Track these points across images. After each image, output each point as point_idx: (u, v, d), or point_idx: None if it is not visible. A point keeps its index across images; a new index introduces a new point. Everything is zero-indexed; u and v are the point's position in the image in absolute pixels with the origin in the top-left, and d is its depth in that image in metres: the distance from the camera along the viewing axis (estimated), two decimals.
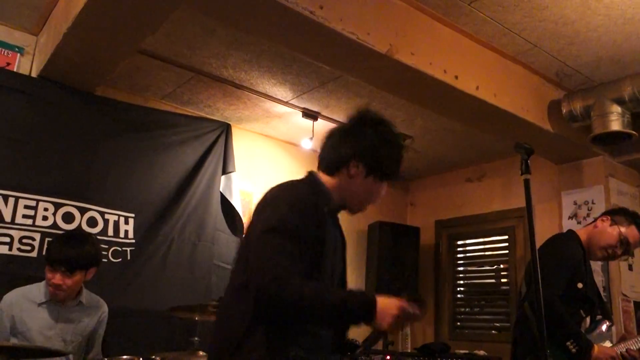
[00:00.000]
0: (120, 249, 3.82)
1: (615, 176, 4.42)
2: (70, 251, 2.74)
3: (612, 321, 2.90)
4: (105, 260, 3.67)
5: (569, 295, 2.64)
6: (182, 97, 4.32)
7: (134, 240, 3.89)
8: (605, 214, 2.93)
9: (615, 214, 2.88)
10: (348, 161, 1.83)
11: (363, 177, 1.84)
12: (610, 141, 3.88)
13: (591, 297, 2.74)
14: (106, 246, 3.74)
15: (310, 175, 1.90)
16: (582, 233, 2.90)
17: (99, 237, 3.62)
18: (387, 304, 1.59)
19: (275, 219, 1.64)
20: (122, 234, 3.85)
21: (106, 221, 3.80)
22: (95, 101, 3.90)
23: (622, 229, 2.80)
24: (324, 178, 1.87)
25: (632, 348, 2.75)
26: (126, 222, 3.89)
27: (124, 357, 2.43)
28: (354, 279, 5.31)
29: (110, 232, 3.80)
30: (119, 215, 3.86)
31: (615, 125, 3.70)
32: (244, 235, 1.79)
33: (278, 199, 1.74)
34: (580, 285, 2.67)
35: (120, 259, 3.80)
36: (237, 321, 1.65)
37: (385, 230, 5.28)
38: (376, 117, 1.93)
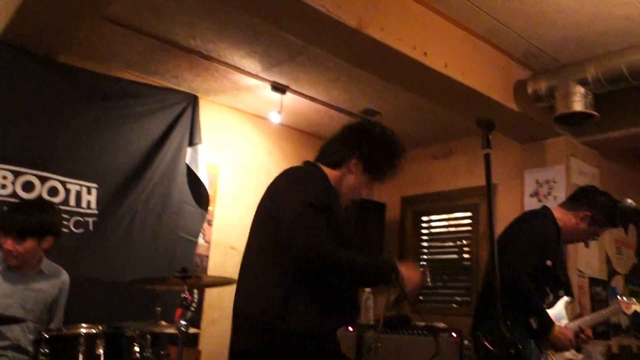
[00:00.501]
0: (82, 219, 3.77)
1: (576, 156, 4.53)
2: (21, 217, 2.72)
3: (573, 298, 2.99)
4: (67, 230, 3.62)
5: (537, 272, 2.70)
6: (148, 66, 4.23)
7: (96, 211, 3.84)
8: (586, 206, 2.91)
9: (595, 207, 2.88)
10: (350, 159, 2.15)
11: (359, 174, 2.17)
12: (573, 121, 3.97)
13: (559, 276, 2.81)
14: (68, 216, 3.68)
15: (315, 166, 2.17)
16: (557, 214, 2.93)
17: (60, 207, 3.56)
18: (408, 268, 1.95)
19: (311, 194, 1.90)
20: (84, 205, 3.79)
21: (68, 191, 3.73)
22: (57, 68, 3.79)
23: (599, 229, 2.89)
24: (327, 170, 2.14)
25: (584, 327, 2.85)
26: (89, 193, 3.82)
27: (83, 325, 2.41)
28: None
29: (72, 202, 3.74)
30: (82, 185, 3.80)
31: (578, 106, 3.78)
32: (266, 207, 2.04)
33: (308, 178, 2.03)
34: (549, 263, 2.73)
35: (82, 230, 3.75)
36: (274, 291, 1.85)
37: (351, 206, 5.31)
38: (382, 127, 2.26)
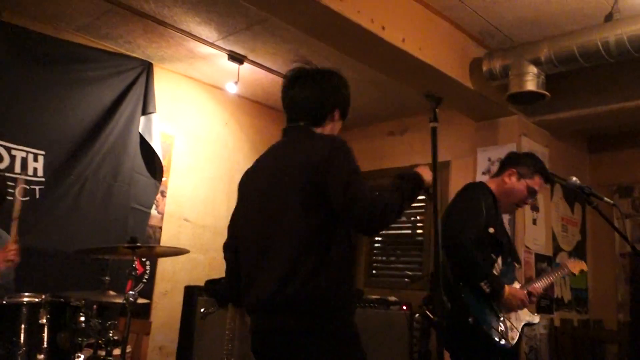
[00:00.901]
0: (28, 187, 3.64)
1: (528, 135, 4.64)
2: None
3: (520, 263, 3.08)
4: (11, 198, 3.49)
5: (481, 240, 2.75)
6: (99, 30, 4.08)
7: (43, 179, 3.73)
8: (509, 165, 3.02)
9: (518, 164, 2.99)
10: (333, 110, 2.08)
11: (338, 120, 2.13)
12: (525, 101, 4.04)
13: (502, 241, 2.89)
14: (13, 183, 3.55)
15: (308, 128, 2.05)
16: (491, 184, 3.01)
17: (5, 174, 3.44)
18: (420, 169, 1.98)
19: (354, 162, 1.91)
20: (30, 171, 3.67)
21: (13, 157, 3.61)
22: (1, 27, 3.61)
23: (529, 182, 2.96)
24: (317, 129, 2.05)
25: (537, 285, 2.96)
26: (35, 159, 3.70)
27: (26, 294, 2.35)
28: None
29: (18, 168, 3.62)
30: (28, 152, 3.67)
31: (531, 85, 3.85)
32: (297, 189, 1.90)
33: (342, 145, 1.93)
34: (491, 230, 2.79)
35: (29, 197, 3.63)
36: (324, 275, 1.84)
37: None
38: (336, 69, 2.21)
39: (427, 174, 1.97)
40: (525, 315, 2.88)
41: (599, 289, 5.23)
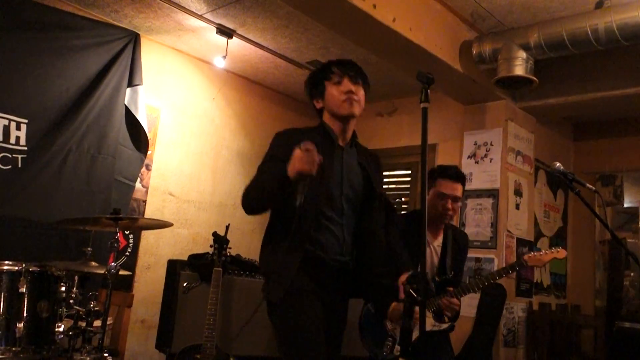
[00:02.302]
0: (10, 155, 3.60)
1: (514, 120, 4.66)
2: None
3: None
4: None
5: None
6: None
7: (26, 148, 3.67)
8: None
9: (429, 178, 2.96)
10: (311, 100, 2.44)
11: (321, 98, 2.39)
12: (513, 85, 4.05)
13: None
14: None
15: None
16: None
17: None
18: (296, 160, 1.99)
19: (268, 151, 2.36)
20: (12, 140, 3.61)
21: None
22: None
23: (434, 189, 2.98)
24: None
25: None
26: (18, 128, 3.64)
27: (6, 262, 2.33)
28: None
29: (0, 136, 3.56)
30: (10, 120, 3.61)
31: (519, 70, 3.85)
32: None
33: None
34: None
35: (10, 166, 3.58)
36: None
37: None
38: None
39: (295, 163, 1.98)
40: (427, 325, 2.81)
41: (578, 274, 5.32)
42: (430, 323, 2.89)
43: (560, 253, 2.97)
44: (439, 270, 2.99)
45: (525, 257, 2.98)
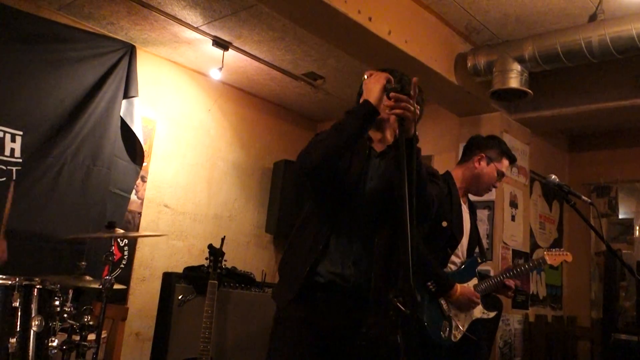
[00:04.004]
0: (4, 167, 3.58)
1: (509, 132, 4.67)
2: None
3: (485, 258, 3.04)
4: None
5: (434, 234, 2.73)
6: (82, 10, 4.00)
7: (20, 160, 3.66)
8: (477, 149, 2.98)
9: (486, 148, 2.96)
10: None
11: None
12: (508, 98, 4.08)
13: (455, 235, 2.85)
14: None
15: None
16: (459, 171, 2.98)
17: None
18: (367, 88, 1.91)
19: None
20: (7, 152, 3.60)
21: None
22: None
23: (497, 165, 2.96)
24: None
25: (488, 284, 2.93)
26: (13, 140, 3.63)
27: (1, 276, 2.31)
28: (256, 215, 5.34)
29: None
30: (5, 132, 3.60)
31: (514, 82, 3.88)
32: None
33: None
34: (444, 223, 2.77)
35: (5, 179, 3.56)
36: None
37: (290, 168, 5.30)
38: None
39: (368, 88, 1.90)
40: (477, 312, 2.85)
41: (573, 286, 5.32)
42: (479, 310, 2.85)
43: (569, 256, 3.00)
44: (471, 246, 2.94)
45: (546, 254, 2.99)
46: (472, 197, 3.07)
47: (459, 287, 2.74)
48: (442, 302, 2.73)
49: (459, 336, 2.74)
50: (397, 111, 1.78)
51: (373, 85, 1.89)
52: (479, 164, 2.95)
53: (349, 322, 1.89)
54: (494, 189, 3.09)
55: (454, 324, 2.72)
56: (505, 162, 2.99)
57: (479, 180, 2.95)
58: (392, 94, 1.82)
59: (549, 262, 2.96)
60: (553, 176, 2.79)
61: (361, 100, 1.93)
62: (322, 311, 1.89)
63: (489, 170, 2.94)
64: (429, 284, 2.67)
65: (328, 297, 1.90)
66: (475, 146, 3.01)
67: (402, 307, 1.45)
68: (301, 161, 1.90)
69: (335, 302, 1.90)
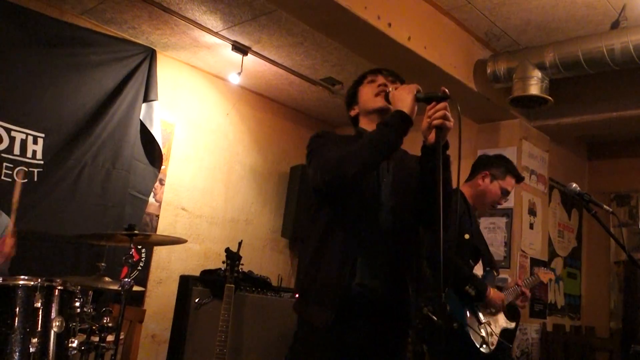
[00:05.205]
0: (26, 169, 3.63)
1: (528, 139, 4.64)
2: None
3: (498, 272, 3.09)
4: (9, 179, 3.49)
5: (458, 247, 2.78)
6: (104, 14, 4.05)
7: (42, 162, 3.70)
8: (481, 167, 3.05)
9: (491, 166, 3.04)
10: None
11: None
12: (528, 105, 4.04)
13: (478, 247, 2.92)
14: (11, 165, 3.54)
15: None
16: (466, 189, 3.05)
17: (3, 155, 3.42)
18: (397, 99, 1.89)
19: (309, 145, 2.07)
20: (29, 154, 3.65)
21: (12, 139, 3.58)
22: (4, 7, 3.58)
23: (501, 182, 3.01)
24: None
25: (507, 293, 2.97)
26: (35, 142, 3.68)
27: (22, 277, 2.33)
28: (273, 220, 5.35)
29: (17, 150, 3.60)
30: (27, 134, 3.65)
31: (534, 89, 3.85)
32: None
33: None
34: (467, 236, 2.83)
35: (27, 180, 3.61)
36: None
37: (307, 172, 5.30)
38: None
39: (399, 99, 1.88)
40: (502, 322, 2.92)
41: (592, 295, 5.25)
42: (504, 320, 2.91)
43: (552, 275, 3.32)
44: (486, 257, 2.99)
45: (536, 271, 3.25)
46: None
47: (491, 289, 2.80)
48: (477, 308, 2.78)
49: (495, 343, 2.77)
50: (438, 121, 1.77)
51: (406, 95, 1.87)
52: (483, 181, 3.03)
53: (380, 339, 1.86)
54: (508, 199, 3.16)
55: (488, 330, 2.74)
56: (510, 180, 3.05)
57: (483, 197, 3.03)
58: (432, 104, 1.82)
59: (541, 278, 3.23)
60: (574, 184, 2.76)
61: (392, 110, 1.89)
62: (361, 329, 1.84)
63: (493, 187, 3.02)
64: (467, 287, 2.68)
65: (363, 311, 1.85)
66: (480, 165, 3.09)
67: (434, 317, 1.44)
68: (333, 174, 1.83)
69: (369, 317, 1.85)
